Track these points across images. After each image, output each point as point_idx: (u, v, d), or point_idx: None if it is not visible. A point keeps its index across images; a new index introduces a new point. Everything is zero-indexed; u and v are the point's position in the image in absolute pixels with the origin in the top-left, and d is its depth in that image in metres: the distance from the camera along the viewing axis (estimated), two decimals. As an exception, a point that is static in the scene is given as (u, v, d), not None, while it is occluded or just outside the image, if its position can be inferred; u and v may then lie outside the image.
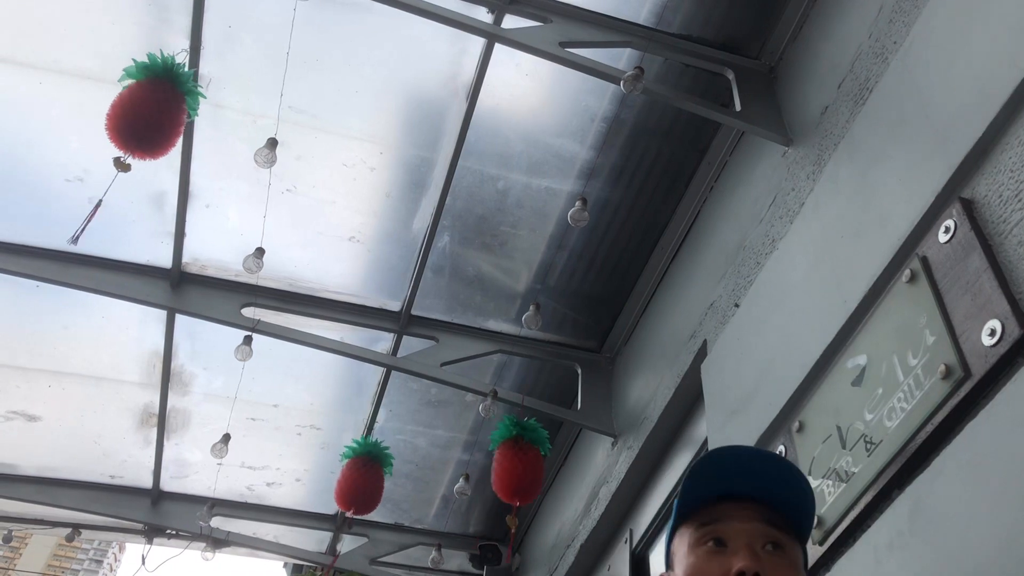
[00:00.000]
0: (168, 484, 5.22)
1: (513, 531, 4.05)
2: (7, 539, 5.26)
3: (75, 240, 3.00)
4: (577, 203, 3.62)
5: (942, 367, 1.85)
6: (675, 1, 3.32)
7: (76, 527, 5.40)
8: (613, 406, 4.35)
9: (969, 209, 1.94)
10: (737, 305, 3.08)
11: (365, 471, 4.08)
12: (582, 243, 4.07)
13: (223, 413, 4.70)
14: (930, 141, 2.15)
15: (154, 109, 2.93)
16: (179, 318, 4.30)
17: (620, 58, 3.42)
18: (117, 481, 5.20)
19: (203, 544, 5.23)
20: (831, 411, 2.30)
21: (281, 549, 5.52)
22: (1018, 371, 1.69)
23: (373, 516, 4.84)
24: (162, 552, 5.42)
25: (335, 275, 4.26)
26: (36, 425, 4.92)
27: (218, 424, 4.73)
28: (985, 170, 1.94)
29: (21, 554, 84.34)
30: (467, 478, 4.54)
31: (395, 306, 4.34)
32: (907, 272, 2.08)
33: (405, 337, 4.36)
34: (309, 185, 3.89)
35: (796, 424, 2.45)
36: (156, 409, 4.76)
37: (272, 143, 3.38)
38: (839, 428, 2.23)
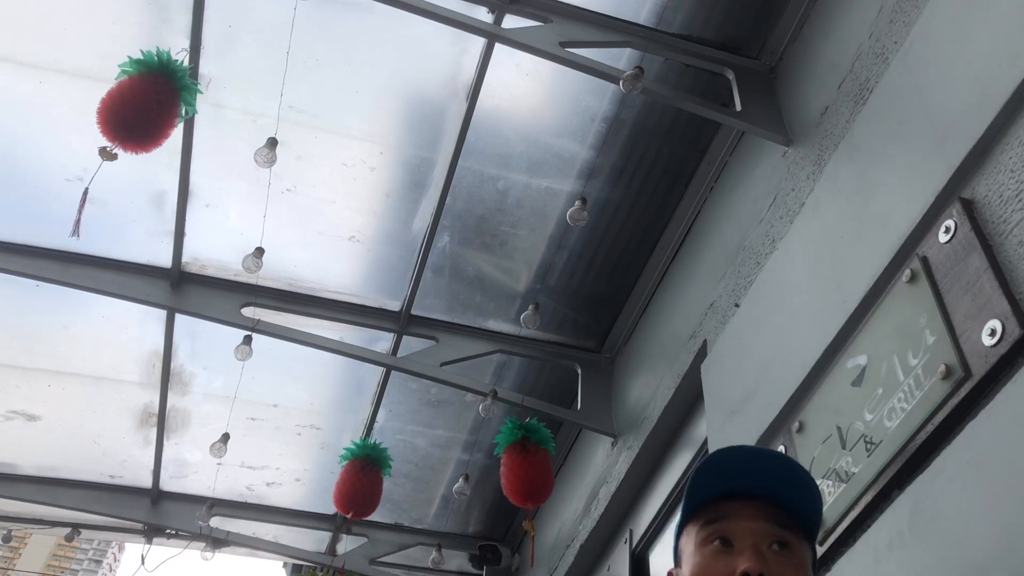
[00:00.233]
0: (168, 484, 5.22)
1: (532, 535, 4.06)
2: (6, 539, 5.25)
3: (76, 234, 2.99)
4: (576, 203, 3.62)
5: (942, 367, 1.85)
6: (675, 1, 3.32)
7: (75, 527, 5.39)
8: (613, 406, 4.35)
9: (969, 209, 1.94)
10: (737, 305, 3.08)
11: (364, 474, 4.07)
12: (582, 243, 4.07)
13: (223, 413, 4.70)
14: (930, 141, 2.15)
15: (145, 101, 2.91)
16: (179, 318, 4.29)
17: (620, 58, 3.41)
18: (117, 481, 5.20)
19: (203, 544, 5.22)
20: (831, 411, 2.30)
21: (281, 549, 5.52)
22: (1018, 371, 1.69)
23: (373, 516, 4.83)
24: (162, 552, 5.43)
25: (335, 275, 4.26)
26: (36, 425, 4.92)
27: (218, 424, 4.73)
28: (985, 170, 1.94)
29: (20, 554, 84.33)
30: (467, 478, 4.55)
31: (395, 306, 4.34)
32: (907, 272, 2.08)
33: (405, 337, 4.36)
34: (309, 185, 3.89)
35: (796, 424, 2.45)
36: (156, 409, 4.76)
37: (272, 143, 3.39)
38: (839, 428, 2.23)
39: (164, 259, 4.08)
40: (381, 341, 4.44)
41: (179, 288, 4.10)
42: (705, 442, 3.23)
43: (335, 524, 5.42)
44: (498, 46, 3.36)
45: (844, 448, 2.18)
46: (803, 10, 3.17)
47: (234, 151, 3.70)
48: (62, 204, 3.85)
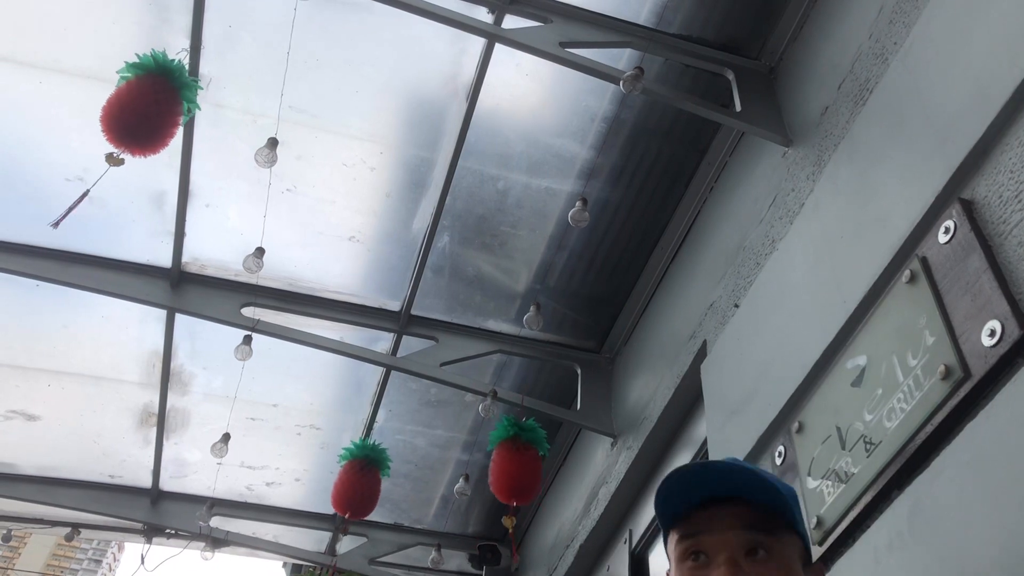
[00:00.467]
0: (167, 484, 5.22)
1: (512, 531, 4.05)
2: (6, 538, 5.25)
3: (56, 225, 2.99)
4: (577, 203, 3.62)
5: (942, 367, 1.85)
6: (675, 1, 3.32)
7: (75, 526, 5.40)
8: (613, 406, 4.35)
9: (969, 210, 1.94)
10: (737, 305, 3.08)
11: (362, 474, 4.07)
12: (582, 243, 4.07)
13: (223, 413, 4.70)
14: (930, 141, 2.15)
15: (145, 105, 2.92)
16: (179, 318, 4.30)
17: (620, 58, 3.42)
18: (116, 480, 5.20)
19: (202, 544, 5.23)
20: (831, 411, 2.30)
21: (280, 549, 5.52)
22: (1018, 371, 1.69)
23: (372, 516, 4.83)
24: (161, 552, 5.42)
25: (335, 275, 4.26)
26: (35, 424, 4.92)
27: (218, 424, 4.73)
28: (985, 170, 1.94)
29: (20, 553, 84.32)
30: (467, 478, 4.55)
31: (395, 306, 4.34)
32: (907, 272, 2.08)
33: (405, 337, 4.36)
34: (309, 185, 3.89)
35: (796, 424, 2.45)
36: (156, 409, 4.76)
37: (272, 143, 3.39)
38: (839, 429, 2.23)
39: (164, 259, 4.08)
40: (381, 341, 4.44)
41: (179, 288, 4.10)
42: (705, 442, 3.23)
43: (335, 524, 5.42)
44: (498, 46, 3.36)
45: (844, 448, 2.18)
46: (803, 10, 3.17)
47: (234, 151, 3.70)
48: (62, 204, 3.81)
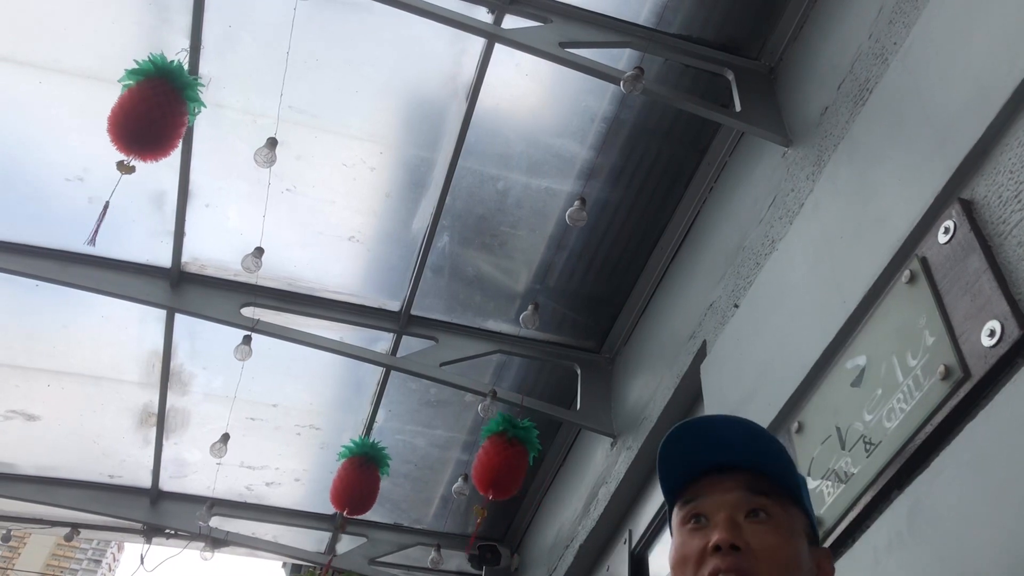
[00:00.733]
0: (167, 484, 5.22)
1: (479, 522, 4.06)
2: (6, 538, 5.25)
3: (92, 241, 3.02)
4: (576, 203, 3.62)
5: (941, 368, 1.85)
6: (675, 1, 3.32)
7: (75, 526, 5.40)
8: (612, 406, 4.35)
9: (969, 210, 1.94)
10: (737, 306, 3.08)
11: (361, 472, 4.08)
12: (582, 243, 4.07)
13: (222, 413, 4.70)
14: (930, 141, 2.15)
15: (148, 110, 2.93)
16: (179, 317, 4.29)
17: (620, 58, 3.42)
18: (116, 481, 5.19)
19: (202, 544, 5.23)
20: (830, 412, 2.30)
21: (280, 549, 5.52)
22: (1018, 372, 1.69)
23: (372, 516, 4.83)
24: (161, 552, 5.42)
25: (335, 275, 4.26)
26: (35, 424, 4.92)
27: (217, 424, 4.73)
28: (985, 171, 1.94)
29: (20, 553, 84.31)
30: (466, 478, 4.54)
31: (395, 306, 4.34)
32: (907, 273, 2.08)
33: (404, 337, 4.36)
34: (309, 185, 3.89)
35: (795, 425, 2.45)
36: (155, 409, 4.76)
37: (272, 143, 3.39)
38: (838, 429, 2.23)
39: (164, 259, 4.08)
40: (381, 341, 4.44)
41: (179, 288, 4.10)
42: (704, 442, 3.22)
43: (334, 524, 5.42)
44: (498, 46, 3.36)
45: (843, 449, 2.18)
46: (803, 10, 3.17)
47: (234, 151, 3.70)
48: (62, 204, 3.86)
